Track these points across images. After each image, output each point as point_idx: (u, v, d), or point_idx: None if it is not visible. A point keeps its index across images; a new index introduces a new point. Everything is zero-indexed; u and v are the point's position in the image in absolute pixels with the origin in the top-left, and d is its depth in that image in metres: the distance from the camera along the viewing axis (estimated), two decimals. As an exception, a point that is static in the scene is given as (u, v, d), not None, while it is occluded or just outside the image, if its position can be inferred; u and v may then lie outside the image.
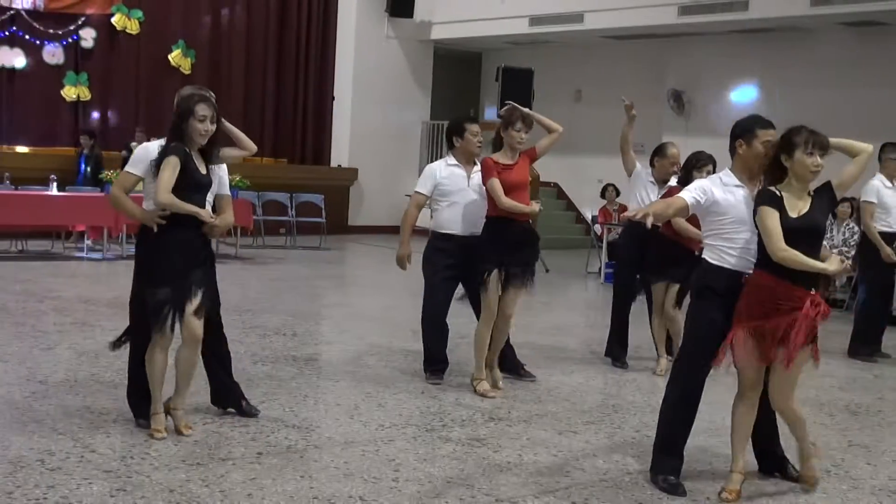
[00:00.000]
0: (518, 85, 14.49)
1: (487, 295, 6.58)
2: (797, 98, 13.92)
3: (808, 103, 13.13)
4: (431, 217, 6.96)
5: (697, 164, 7.30)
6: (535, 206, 6.60)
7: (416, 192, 6.92)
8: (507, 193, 6.47)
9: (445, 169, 6.88)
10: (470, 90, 21.07)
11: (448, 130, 7.02)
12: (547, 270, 10.31)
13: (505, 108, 6.90)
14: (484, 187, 6.58)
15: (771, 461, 5.18)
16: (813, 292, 4.66)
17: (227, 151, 5.60)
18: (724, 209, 4.84)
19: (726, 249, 4.84)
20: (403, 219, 6.98)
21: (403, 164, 19.54)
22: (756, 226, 4.70)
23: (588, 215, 16.80)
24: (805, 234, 4.64)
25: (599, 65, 18.42)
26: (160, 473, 4.69)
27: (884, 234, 8.61)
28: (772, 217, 4.61)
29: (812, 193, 4.77)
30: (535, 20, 17.51)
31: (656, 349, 7.74)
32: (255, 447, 5.18)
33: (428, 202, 6.96)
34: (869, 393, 7.38)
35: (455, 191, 6.80)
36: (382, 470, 4.93)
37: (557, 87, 18.10)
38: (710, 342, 4.85)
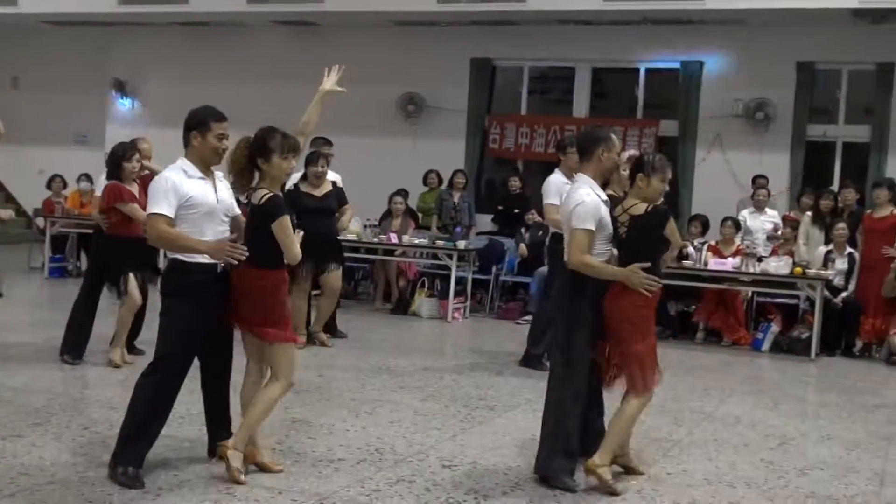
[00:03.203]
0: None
1: None
2: (237, 92, 14.17)
3: (247, 98, 13.55)
4: None
5: (126, 156, 7.53)
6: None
7: None
8: None
9: None
10: None
11: None
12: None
13: None
14: None
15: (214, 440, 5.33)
16: None
17: None
18: (197, 202, 4.92)
19: None
20: None
21: None
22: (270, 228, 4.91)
23: (30, 208, 16.07)
24: None
25: (39, 50, 17.57)
26: None
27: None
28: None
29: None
30: (-37, -1, 16.27)
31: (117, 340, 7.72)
32: None
33: None
34: (310, 371, 7.90)
35: None
36: None
37: (-8, 72, 17.06)
38: (189, 337, 4.96)
